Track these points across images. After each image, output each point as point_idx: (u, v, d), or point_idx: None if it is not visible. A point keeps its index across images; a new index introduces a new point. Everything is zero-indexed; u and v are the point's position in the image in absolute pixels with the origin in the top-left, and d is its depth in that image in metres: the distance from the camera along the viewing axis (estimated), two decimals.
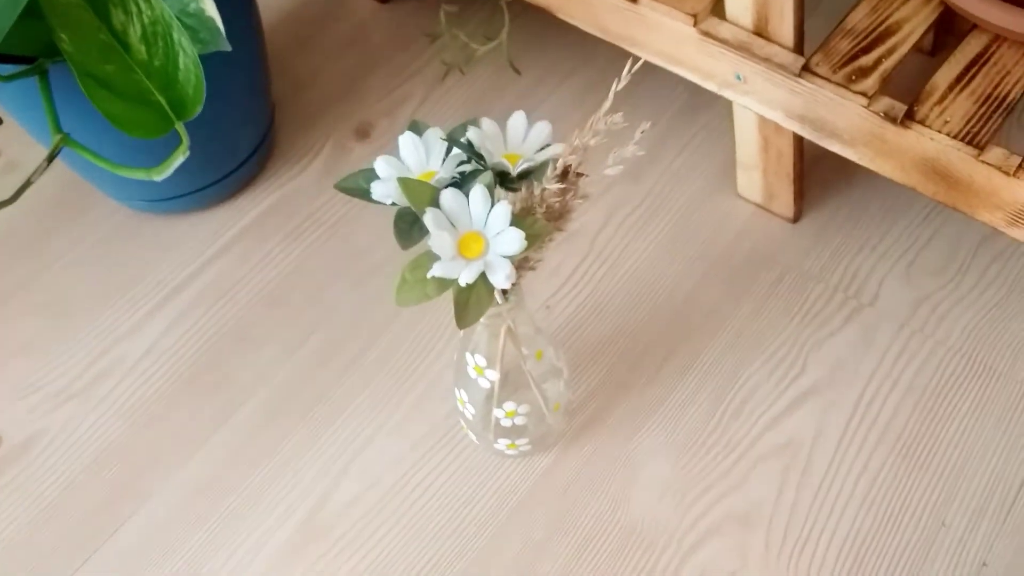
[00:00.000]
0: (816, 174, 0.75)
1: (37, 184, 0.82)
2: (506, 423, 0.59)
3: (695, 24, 0.63)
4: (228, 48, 0.57)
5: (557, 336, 0.70)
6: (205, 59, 0.61)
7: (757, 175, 0.72)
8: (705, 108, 0.80)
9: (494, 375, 0.56)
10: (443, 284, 0.43)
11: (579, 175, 0.42)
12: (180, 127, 0.48)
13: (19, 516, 0.65)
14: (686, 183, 0.77)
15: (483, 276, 0.44)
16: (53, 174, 0.81)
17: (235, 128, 0.75)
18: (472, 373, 0.57)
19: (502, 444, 0.61)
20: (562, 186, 0.42)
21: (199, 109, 0.48)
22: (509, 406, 0.58)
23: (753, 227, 0.74)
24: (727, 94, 0.66)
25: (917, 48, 0.62)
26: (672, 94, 0.81)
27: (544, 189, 0.43)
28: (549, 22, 0.72)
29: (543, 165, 0.44)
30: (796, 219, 0.74)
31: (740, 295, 0.71)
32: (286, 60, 0.86)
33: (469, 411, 0.60)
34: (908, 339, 0.68)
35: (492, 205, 0.43)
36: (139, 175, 0.52)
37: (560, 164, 0.42)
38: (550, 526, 0.62)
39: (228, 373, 0.71)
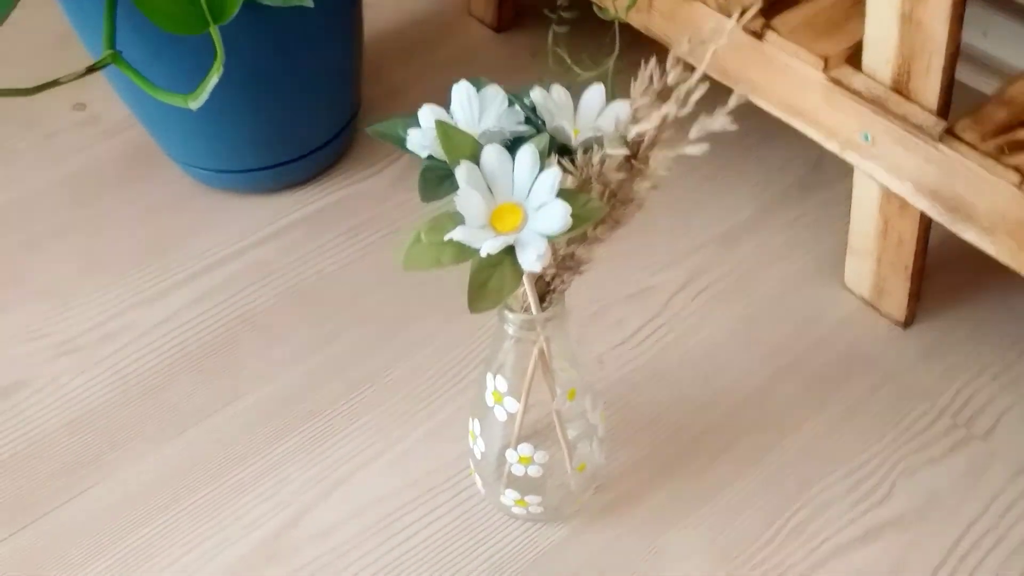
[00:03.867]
0: (939, 278, 0.65)
1: (114, 140, 0.81)
2: (518, 470, 0.50)
3: (824, 69, 0.56)
4: (310, 4, 0.53)
5: (603, 396, 0.60)
6: (292, 23, 0.57)
7: (870, 264, 0.63)
8: (823, 188, 0.71)
9: (514, 406, 0.47)
10: (462, 253, 0.35)
11: (649, 153, 0.34)
12: (214, 31, 0.43)
13: None
14: (786, 261, 0.67)
15: (512, 256, 0.36)
16: (131, 134, 0.79)
17: (312, 111, 0.70)
18: (490, 399, 0.48)
19: (510, 498, 0.52)
20: (626, 152, 0.34)
21: (236, 10, 0.43)
22: (525, 450, 0.49)
23: (855, 325, 0.64)
24: (849, 156, 0.57)
25: None
26: (789, 166, 0.72)
27: (606, 158, 0.35)
28: (663, 56, 0.66)
29: (609, 138, 0.36)
30: (907, 324, 0.63)
31: (826, 397, 0.60)
32: (384, 68, 0.83)
33: (479, 448, 0.51)
34: None
35: (540, 172, 0.36)
36: (176, 100, 0.48)
37: (630, 132, 0.34)
38: None
39: (237, 361, 0.64)
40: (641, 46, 0.67)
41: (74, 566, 0.55)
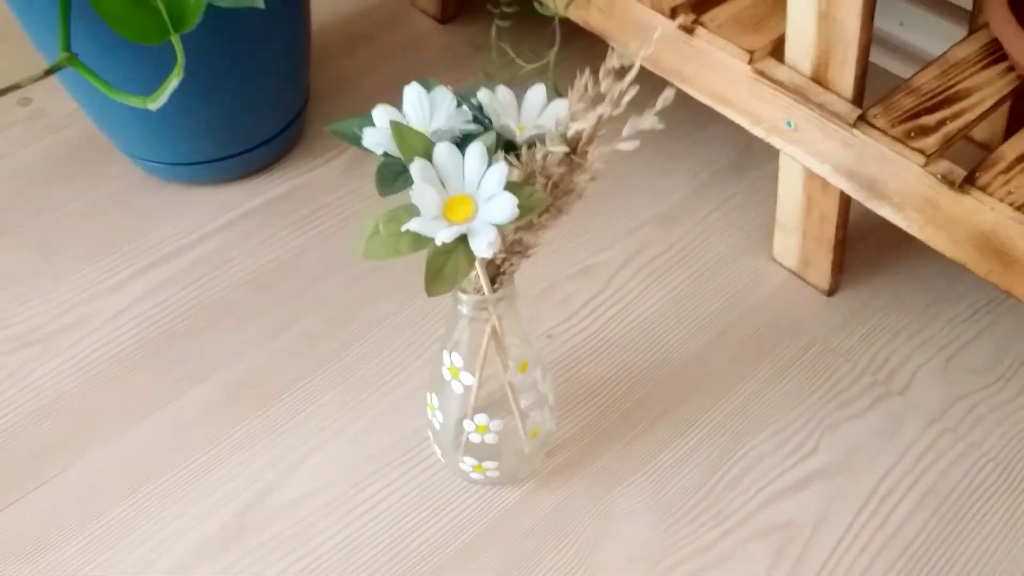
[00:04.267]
0: (859, 250, 0.70)
1: (61, 133, 0.82)
2: (475, 439, 0.53)
3: (750, 62, 0.60)
4: (261, 6, 0.55)
5: (553, 368, 0.64)
6: (242, 18, 0.59)
7: (796, 239, 0.67)
8: (752, 169, 0.76)
9: (470, 380, 0.51)
10: (418, 242, 0.39)
11: (587, 149, 0.38)
12: (175, 39, 0.45)
13: None
14: (719, 238, 0.72)
15: (465, 243, 0.39)
16: (78, 128, 0.80)
17: (261, 103, 0.72)
18: (447, 374, 0.51)
19: (468, 464, 0.55)
20: (566, 151, 0.37)
21: (196, 22, 0.45)
22: (481, 419, 0.52)
23: (783, 294, 0.69)
24: (775, 141, 0.62)
25: (971, 137, 0.58)
26: (721, 150, 0.77)
27: (548, 154, 0.38)
28: (601, 51, 0.69)
29: (551, 134, 0.40)
30: (831, 292, 0.68)
31: (757, 361, 0.65)
32: (331, 59, 0.85)
33: (438, 420, 0.54)
34: (937, 436, 0.61)
35: (488, 166, 0.39)
36: (134, 102, 0.49)
37: (570, 130, 0.38)
38: (501, 571, 0.56)
39: (197, 348, 0.66)
40: (580, 38, 0.70)
41: (53, 546, 0.57)
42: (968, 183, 0.53)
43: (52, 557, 0.56)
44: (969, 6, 0.70)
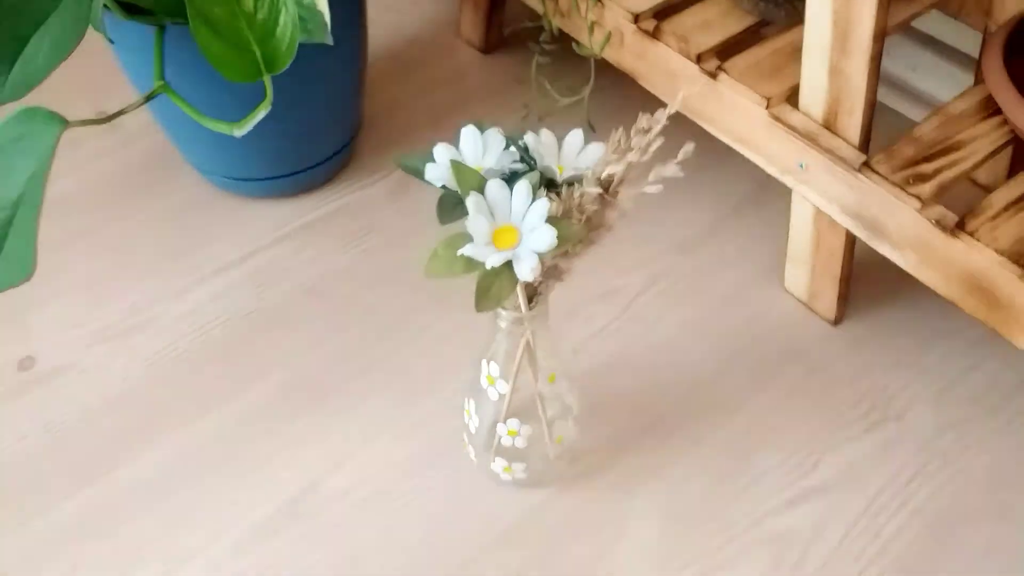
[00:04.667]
0: (865, 284, 0.75)
1: (135, 145, 0.89)
2: (507, 442, 0.59)
3: (767, 107, 0.66)
4: (330, 42, 0.62)
5: (577, 381, 0.70)
6: (306, 50, 0.66)
7: (805, 271, 0.73)
8: (767, 204, 0.82)
9: (505, 387, 0.57)
10: (471, 265, 0.45)
11: (618, 190, 0.44)
12: (267, 79, 0.52)
13: (30, 435, 0.68)
14: (734, 267, 0.78)
15: (510, 267, 0.45)
16: (151, 140, 0.87)
17: (320, 126, 0.79)
18: (484, 382, 0.58)
19: (499, 465, 0.62)
20: (600, 191, 0.44)
21: (287, 65, 0.52)
22: (513, 423, 0.58)
23: (792, 322, 0.74)
24: (787, 180, 0.68)
25: (975, 180, 0.63)
26: (738, 185, 0.83)
27: (583, 194, 0.45)
28: (632, 87, 0.75)
29: (586, 175, 0.46)
30: (837, 322, 0.74)
31: (766, 383, 0.71)
32: (383, 85, 0.92)
33: (474, 423, 0.61)
34: (928, 461, 0.66)
35: (533, 202, 0.45)
36: (224, 128, 0.56)
37: (603, 173, 0.44)
38: (527, 563, 0.62)
39: (256, 350, 0.73)
40: (613, 72, 0.77)
41: (128, 521, 0.64)
42: (959, 228, 0.58)
43: (128, 531, 0.63)
44: (976, 54, 0.76)
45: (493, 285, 0.45)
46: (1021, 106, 0.60)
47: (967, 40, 0.82)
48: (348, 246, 0.80)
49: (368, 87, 0.87)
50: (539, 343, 0.56)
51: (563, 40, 0.77)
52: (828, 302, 0.73)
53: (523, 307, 0.52)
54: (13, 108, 0.54)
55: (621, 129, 0.43)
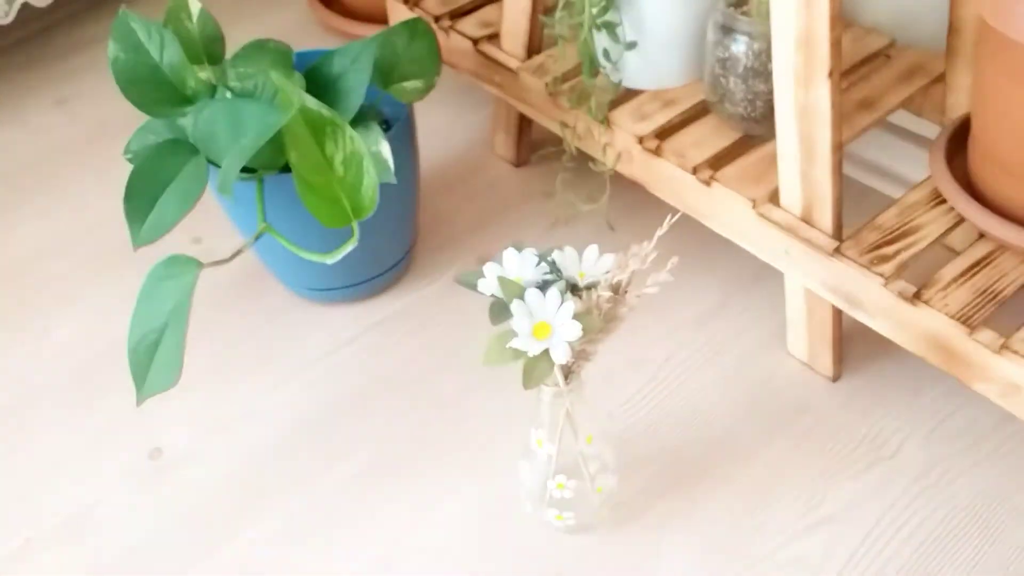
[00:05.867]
0: (858, 343, 0.87)
1: (227, 267, 1.05)
2: (556, 494, 0.72)
3: (754, 207, 0.80)
4: (394, 181, 0.78)
5: (614, 438, 0.83)
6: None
7: (803, 335, 0.86)
8: (770, 279, 0.94)
9: (551, 448, 0.70)
10: (518, 353, 0.59)
11: (626, 291, 0.58)
12: (354, 224, 0.67)
13: (164, 513, 0.82)
14: (745, 335, 0.90)
15: (547, 354, 0.59)
16: (238, 262, 1.03)
17: (386, 243, 0.95)
18: (534, 445, 0.71)
19: (551, 515, 0.74)
20: (612, 295, 0.58)
21: (371, 213, 0.67)
22: (560, 478, 0.71)
23: (797, 380, 0.86)
24: (777, 265, 0.81)
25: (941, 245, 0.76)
26: (744, 265, 0.96)
27: (599, 296, 0.59)
28: (642, 191, 0.90)
29: (601, 280, 0.60)
30: (835, 379, 0.86)
31: (777, 434, 0.83)
32: (433, 198, 1.08)
33: (528, 480, 0.74)
34: (919, 493, 0.77)
35: (561, 303, 0.59)
36: (317, 258, 0.72)
37: (613, 280, 0.58)
38: None
39: (343, 431, 0.87)
40: (627, 181, 0.91)
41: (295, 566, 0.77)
42: (916, 298, 0.71)
43: None
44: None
45: (536, 368, 0.59)
46: (961, 195, 0.73)
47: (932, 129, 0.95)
48: (411, 339, 0.94)
49: (420, 202, 1.03)
50: (577, 411, 0.69)
51: (581, 156, 0.92)
52: (826, 361, 0.85)
53: (560, 383, 0.65)
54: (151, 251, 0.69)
55: (627, 253, 0.58)
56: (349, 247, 0.68)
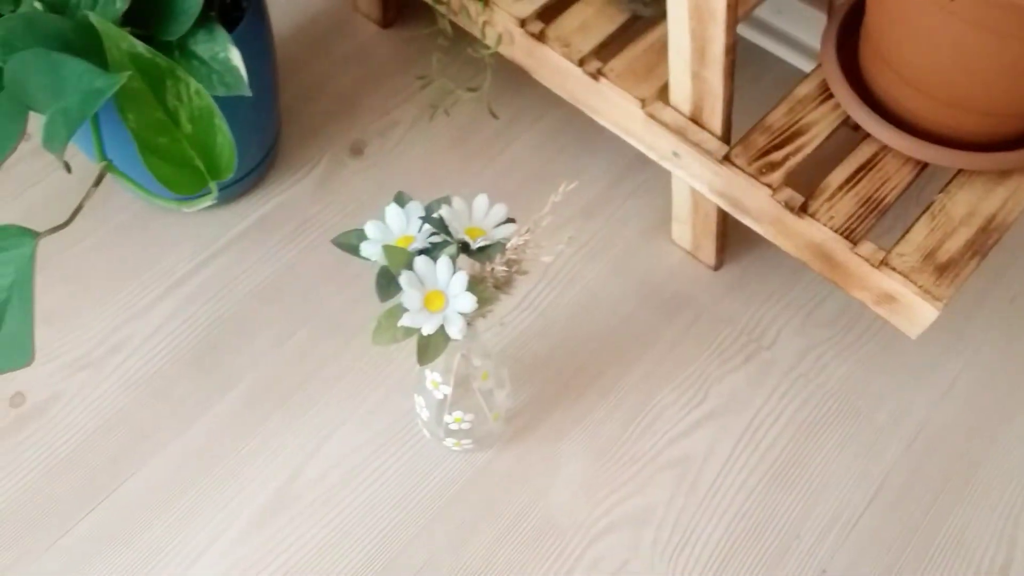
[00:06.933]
0: (739, 233, 0.88)
1: (74, 178, 0.93)
2: (454, 427, 0.72)
3: (643, 107, 0.75)
4: (249, 93, 0.68)
5: (506, 350, 0.82)
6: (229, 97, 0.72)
7: (687, 228, 0.85)
8: (652, 165, 0.92)
9: (447, 389, 0.69)
10: (410, 331, 0.56)
11: (519, 260, 0.55)
12: (213, 185, 0.59)
13: (37, 466, 0.78)
14: (630, 226, 0.89)
15: (442, 328, 0.56)
16: (85, 166, 0.92)
17: (246, 142, 0.85)
18: (429, 386, 0.70)
19: (450, 442, 0.74)
20: (506, 270, 0.54)
21: (230, 175, 0.59)
22: (457, 414, 0.71)
23: (681, 270, 0.87)
24: (666, 165, 0.78)
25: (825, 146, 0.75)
26: (626, 153, 0.93)
27: (493, 268, 0.55)
28: (526, 76, 0.83)
29: (496, 244, 0.56)
30: (717, 268, 0.87)
31: (662, 329, 0.84)
32: (295, 69, 0.97)
33: (424, 414, 0.73)
34: (794, 381, 0.82)
35: (453, 272, 0.55)
36: (172, 205, 0.63)
37: (507, 253, 0.55)
38: (482, 511, 0.76)
39: (222, 358, 0.82)
40: (509, 66, 0.84)
41: (140, 531, 0.75)
42: (803, 210, 0.71)
43: (143, 539, 0.75)
44: None
45: (431, 343, 0.56)
46: (849, 95, 0.71)
47: None
48: (287, 247, 0.88)
49: (280, 83, 0.92)
50: (472, 351, 0.67)
51: (456, 30, 0.84)
52: (709, 252, 0.86)
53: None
54: None
55: (523, 229, 0.54)
56: (208, 202, 0.60)
